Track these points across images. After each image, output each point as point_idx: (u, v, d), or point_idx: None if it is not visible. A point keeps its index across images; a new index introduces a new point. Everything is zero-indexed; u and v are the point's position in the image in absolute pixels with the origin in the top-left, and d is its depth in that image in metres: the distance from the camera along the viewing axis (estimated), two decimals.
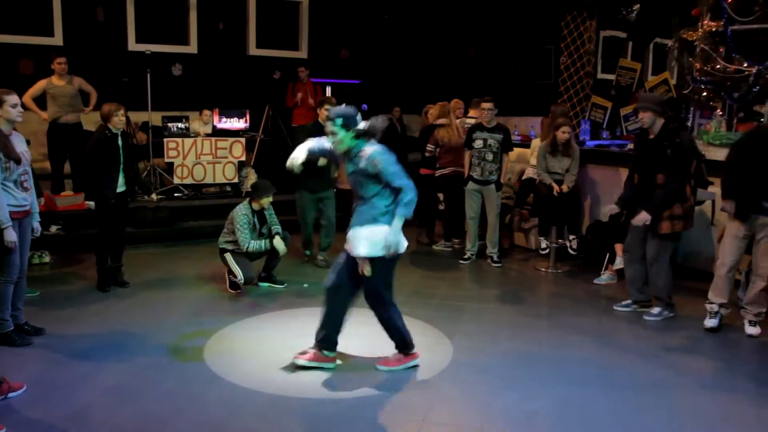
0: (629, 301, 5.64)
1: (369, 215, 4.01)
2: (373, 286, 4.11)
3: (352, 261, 4.11)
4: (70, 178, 7.98)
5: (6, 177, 4.33)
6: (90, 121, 7.86)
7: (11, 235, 4.28)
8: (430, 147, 7.59)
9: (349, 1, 10.97)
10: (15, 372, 4.02)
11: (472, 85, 10.02)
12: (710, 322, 5.16)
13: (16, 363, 4.20)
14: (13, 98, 4.36)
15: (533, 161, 7.52)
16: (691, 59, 6.71)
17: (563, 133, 6.69)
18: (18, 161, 4.37)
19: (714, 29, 6.48)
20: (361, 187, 4.07)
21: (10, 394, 3.76)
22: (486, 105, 6.91)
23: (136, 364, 4.28)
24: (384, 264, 4.05)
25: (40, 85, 7.63)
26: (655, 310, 5.43)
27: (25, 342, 4.55)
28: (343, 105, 4.24)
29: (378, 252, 3.98)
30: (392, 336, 4.32)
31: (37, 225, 4.75)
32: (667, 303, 5.43)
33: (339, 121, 4.02)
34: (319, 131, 5.07)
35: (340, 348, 4.33)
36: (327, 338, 4.25)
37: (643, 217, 5.20)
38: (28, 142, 4.79)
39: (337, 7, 10.92)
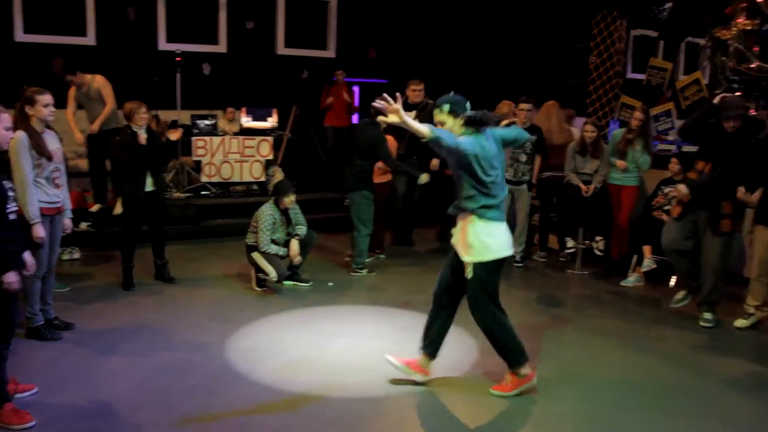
0: (684, 293, 5.43)
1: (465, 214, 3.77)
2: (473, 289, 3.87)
3: (457, 262, 3.87)
4: (109, 175, 8.02)
5: (38, 174, 4.41)
6: None
7: (40, 231, 4.33)
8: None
9: (378, 0, 10.97)
10: (44, 365, 4.10)
11: (500, 84, 9.94)
12: (740, 322, 5.18)
13: (46, 357, 4.29)
14: (45, 98, 4.40)
15: None
16: (724, 58, 6.60)
17: (590, 132, 6.62)
18: (50, 158, 4.45)
19: (749, 28, 6.37)
20: (459, 184, 3.78)
21: (17, 395, 3.61)
22: (524, 105, 6.78)
23: (162, 360, 4.33)
24: (486, 268, 3.80)
25: (71, 95, 7.48)
26: (709, 315, 5.28)
27: (54, 336, 4.63)
28: (451, 93, 3.85)
29: (480, 257, 3.74)
30: (497, 350, 3.96)
31: (68, 222, 4.80)
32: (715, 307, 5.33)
33: (446, 107, 3.72)
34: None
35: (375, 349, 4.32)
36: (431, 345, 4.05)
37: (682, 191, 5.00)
38: (61, 140, 4.85)
39: (366, 7, 10.92)
